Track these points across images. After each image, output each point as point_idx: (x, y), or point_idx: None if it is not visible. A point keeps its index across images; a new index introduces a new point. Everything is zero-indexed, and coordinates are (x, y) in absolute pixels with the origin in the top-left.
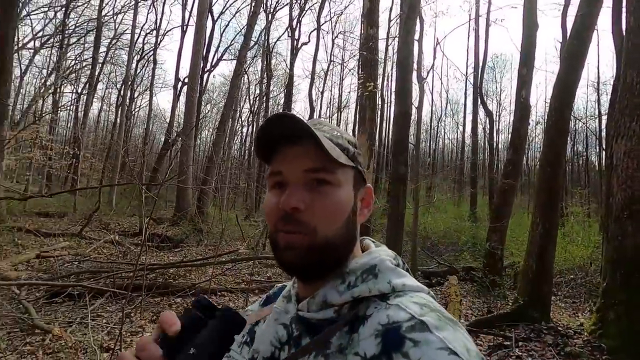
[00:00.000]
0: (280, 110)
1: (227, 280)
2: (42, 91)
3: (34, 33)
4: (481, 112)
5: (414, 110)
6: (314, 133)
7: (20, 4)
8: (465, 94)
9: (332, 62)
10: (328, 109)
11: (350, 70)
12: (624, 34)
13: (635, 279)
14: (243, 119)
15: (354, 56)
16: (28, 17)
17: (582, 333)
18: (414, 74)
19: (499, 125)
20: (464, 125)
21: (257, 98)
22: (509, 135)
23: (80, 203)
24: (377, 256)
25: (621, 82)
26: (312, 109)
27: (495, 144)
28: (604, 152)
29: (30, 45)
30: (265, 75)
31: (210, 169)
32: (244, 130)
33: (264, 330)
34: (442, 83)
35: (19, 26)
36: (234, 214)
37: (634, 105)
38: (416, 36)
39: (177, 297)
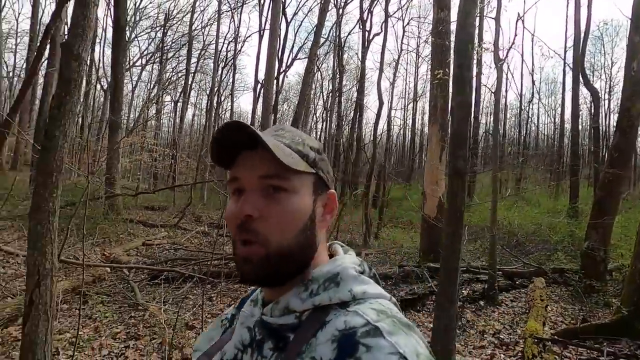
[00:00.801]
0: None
1: None
2: (147, 102)
3: (141, 52)
4: (585, 91)
5: (489, 97)
6: (263, 140)
7: (130, 29)
8: (564, 71)
9: (402, 52)
10: (400, 100)
11: (424, 58)
12: None
13: None
14: (317, 115)
15: (427, 43)
16: (136, 39)
17: None
18: (491, 55)
19: (609, 105)
20: (562, 107)
21: (330, 94)
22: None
23: (178, 198)
24: (340, 264)
25: None
26: (381, 102)
27: (604, 127)
28: None
29: (138, 63)
30: (337, 71)
31: None
32: (319, 126)
33: (232, 335)
34: (532, 62)
35: (129, 47)
36: None
37: None
38: (493, 14)
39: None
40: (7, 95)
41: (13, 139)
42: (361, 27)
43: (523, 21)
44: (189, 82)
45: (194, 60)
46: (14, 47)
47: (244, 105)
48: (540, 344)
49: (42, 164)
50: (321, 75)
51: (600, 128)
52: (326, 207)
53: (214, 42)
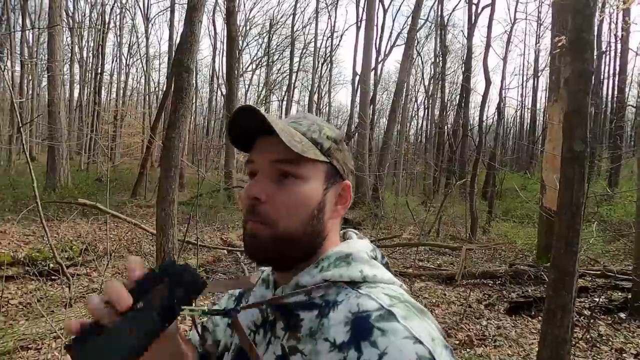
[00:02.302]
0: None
1: (395, 263)
2: (256, 103)
3: (251, 58)
4: None
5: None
6: (273, 127)
7: (242, 38)
8: None
9: (516, 21)
10: (515, 78)
11: (547, 26)
12: None
13: None
14: (419, 102)
15: (549, 5)
16: (247, 47)
17: None
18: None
19: None
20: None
21: (432, 79)
22: None
23: None
24: (353, 246)
25: None
26: (489, 81)
27: None
28: None
29: (249, 68)
30: (439, 53)
31: (384, 156)
32: (420, 114)
33: (243, 315)
34: None
35: (241, 55)
36: (407, 199)
37: None
38: None
39: None
40: (154, 107)
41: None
42: (467, 0)
43: None
44: (292, 81)
45: (296, 59)
46: (158, 66)
47: (343, 98)
48: None
49: (164, 161)
50: (422, 59)
51: None
52: (339, 198)
53: (313, 40)
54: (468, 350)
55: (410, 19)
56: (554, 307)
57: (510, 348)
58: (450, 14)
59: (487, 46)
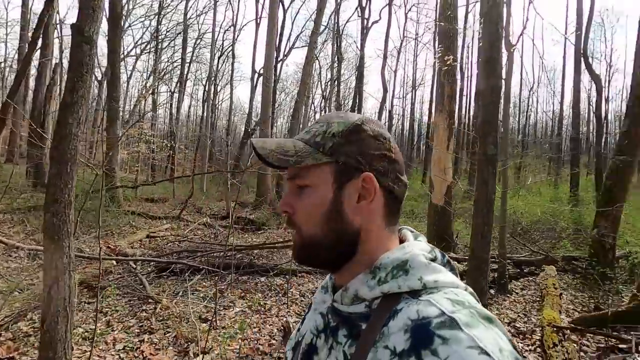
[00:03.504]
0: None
1: None
2: (143, 92)
3: (135, 42)
4: (585, 78)
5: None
6: (263, 153)
7: (123, 17)
8: (564, 58)
9: (405, 39)
10: (402, 88)
11: (425, 44)
12: None
13: None
14: (315, 104)
15: (429, 29)
16: (130, 29)
17: None
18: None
19: (608, 93)
20: (562, 95)
21: (329, 83)
22: (622, 103)
23: (177, 190)
24: (409, 251)
25: None
26: (385, 90)
27: (604, 114)
28: None
29: (133, 52)
30: (335, 59)
31: None
32: (316, 116)
33: (307, 319)
34: (535, 47)
35: (123, 37)
36: None
37: None
38: None
39: (262, 276)
40: None
41: (6, 132)
42: (360, 14)
43: (534, 5)
44: (185, 72)
45: (189, 49)
46: (4, 37)
47: (241, 94)
48: (559, 332)
49: (56, 154)
50: (319, 63)
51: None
52: (363, 192)
53: (209, 30)
54: None
55: (309, 22)
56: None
57: None
58: (345, 24)
59: (384, 58)
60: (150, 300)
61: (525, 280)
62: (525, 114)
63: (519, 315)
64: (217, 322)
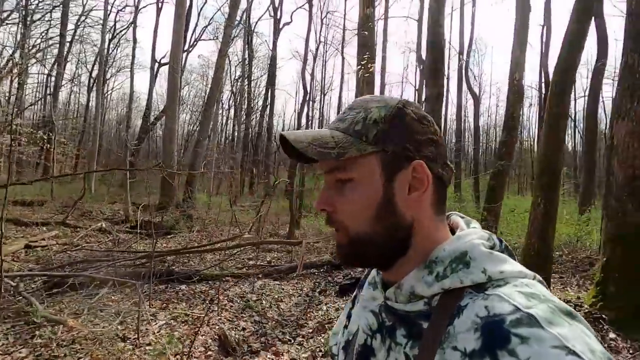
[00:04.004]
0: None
1: (229, 265)
2: (5, 71)
3: None
4: (462, 96)
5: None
6: (300, 147)
7: None
8: (448, 77)
9: (320, 43)
10: (314, 92)
11: (335, 49)
12: (626, 17)
13: (635, 254)
14: (224, 100)
15: (336, 35)
16: None
17: (583, 306)
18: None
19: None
20: (446, 108)
21: (239, 79)
22: (489, 118)
23: (58, 190)
24: (467, 240)
25: (622, 65)
26: (306, 92)
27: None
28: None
29: None
30: (247, 56)
31: (198, 153)
32: (226, 113)
33: (355, 316)
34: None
35: None
36: (225, 199)
37: (635, 86)
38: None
39: (182, 284)
40: None
41: None
42: (272, 14)
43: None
44: (65, 52)
45: (71, 26)
46: None
47: (137, 85)
48: None
49: None
50: (229, 59)
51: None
52: (414, 182)
53: (97, 7)
54: (324, 335)
55: (220, 15)
56: None
57: None
58: (257, 22)
59: (305, 61)
60: (45, 324)
61: None
62: None
63: None
64: (140, 339)
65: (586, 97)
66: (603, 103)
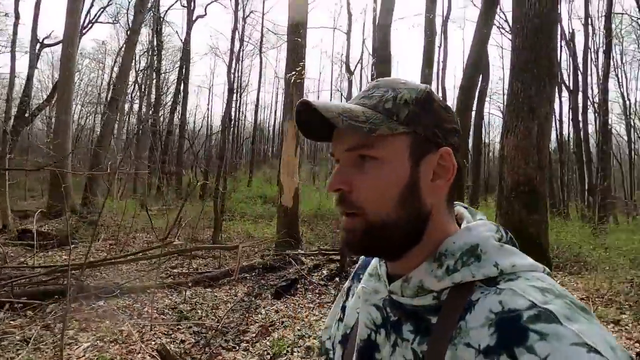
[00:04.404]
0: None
1: (153, 275)
2: None
3: None
4: None
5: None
6: (330, 116)
7: None
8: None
9: (242, 42)
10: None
11: (253, 47)
12: (511, 52)
13: (519, 242)
14: (127, 92)
15: (254, 34)
16: None
17: None
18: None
19: None
20: None
21: (145, 70)
22: None
23: None
24: (477, 233)
25: (509, 90)
26: (231, 89)
27: None
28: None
29: None
30: (155, 46)
31: (99, 153)
32: (135, 107)
33: (352, 309)
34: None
35: None
36: (131, 203)
37: (519, 109)
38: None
39: (99, 299)
40: None
41: None
42: (184, 4)
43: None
44: None
45: None
46: None
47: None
48: None
49: None
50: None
51: None
52: (439, 169)
53: None
54: (269, 338)
55: None
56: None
57: (298, 323)
58: (166, 11)
59: (231, 59)
60: None
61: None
62: None
63: None
64: None
65: (474, 113)
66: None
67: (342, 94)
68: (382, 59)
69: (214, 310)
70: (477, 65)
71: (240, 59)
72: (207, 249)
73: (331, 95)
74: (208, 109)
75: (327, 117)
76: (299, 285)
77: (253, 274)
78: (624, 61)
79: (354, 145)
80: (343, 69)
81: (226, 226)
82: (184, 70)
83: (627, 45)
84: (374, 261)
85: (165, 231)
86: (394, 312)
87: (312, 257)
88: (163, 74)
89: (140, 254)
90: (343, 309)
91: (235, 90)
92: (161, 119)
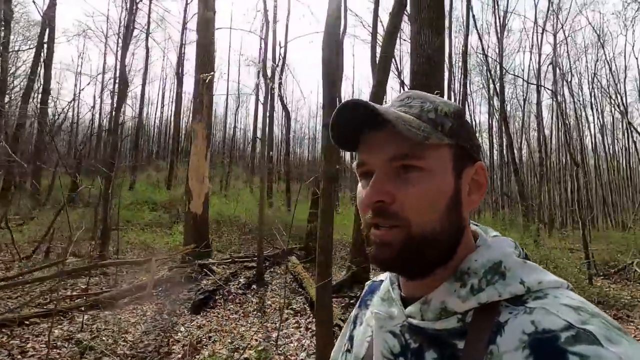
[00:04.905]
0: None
1: (51, 297)
2: None
3: None
4: (278, 108)
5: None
6: (388, 119)
7: None
8: (257, 95)
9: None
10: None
11: (150, 35)
12: (410, 74)
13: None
14: None
15: (140, 20)
16: None
17: None
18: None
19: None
20: (255, 121)
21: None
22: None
23: None
24: (499, 250)
25: None
26: (126, 84)
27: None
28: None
29: None
30: (1, 16)
31: None
32: None
33: (362, 338)
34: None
35: None
36: None
37: None
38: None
39: None
40: None
41: None
42: None
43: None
44: None
45: None
46: None
47: None
48: None
49: None
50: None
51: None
52: (473, 184)
53: None
54: (198, 357)
55: None
56: (323, 294)
57: (227, 336)
58: None
59: (125, 45)
60: None
61: (271, 270)
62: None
63: (288, 297)
64: None
65: None
66: None
67: (257, 98)
68: (327, 77)
69: (123, 335)
70: (383, 83)
71: (127, 46)
72: (116, 265)
73: (257, 100)
74: (74, 99)
75: (388, 118)
76: (217, 297)
77: (160, 289)
78: (471, 90)
79: (402, 154)
80: (259, 72)
81: (113, 237)
82: (44, 50)
83: (473, 77)
84: (385, 284)
85: (26, 247)
86: (414, 339)
87: (225, 266)
88: (13, 53)
89: (21, 277)
90: (351, 339)
91: (126, 83)
92: (7, 106)
